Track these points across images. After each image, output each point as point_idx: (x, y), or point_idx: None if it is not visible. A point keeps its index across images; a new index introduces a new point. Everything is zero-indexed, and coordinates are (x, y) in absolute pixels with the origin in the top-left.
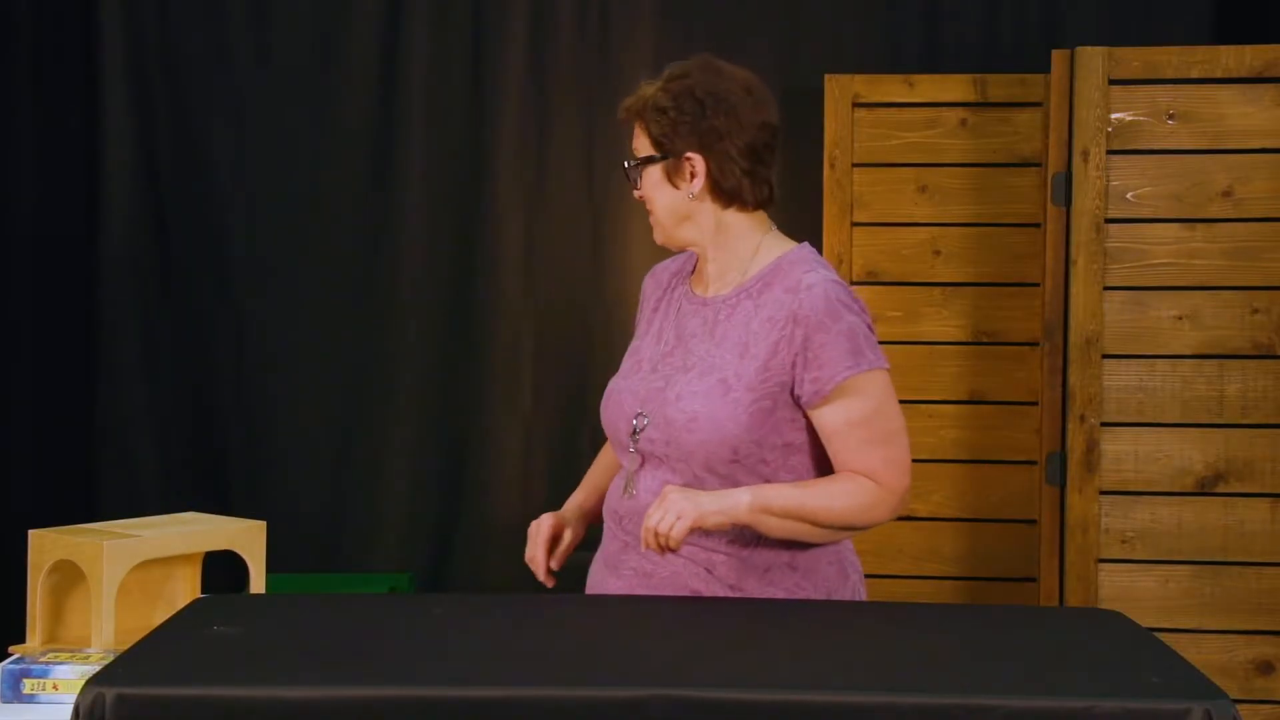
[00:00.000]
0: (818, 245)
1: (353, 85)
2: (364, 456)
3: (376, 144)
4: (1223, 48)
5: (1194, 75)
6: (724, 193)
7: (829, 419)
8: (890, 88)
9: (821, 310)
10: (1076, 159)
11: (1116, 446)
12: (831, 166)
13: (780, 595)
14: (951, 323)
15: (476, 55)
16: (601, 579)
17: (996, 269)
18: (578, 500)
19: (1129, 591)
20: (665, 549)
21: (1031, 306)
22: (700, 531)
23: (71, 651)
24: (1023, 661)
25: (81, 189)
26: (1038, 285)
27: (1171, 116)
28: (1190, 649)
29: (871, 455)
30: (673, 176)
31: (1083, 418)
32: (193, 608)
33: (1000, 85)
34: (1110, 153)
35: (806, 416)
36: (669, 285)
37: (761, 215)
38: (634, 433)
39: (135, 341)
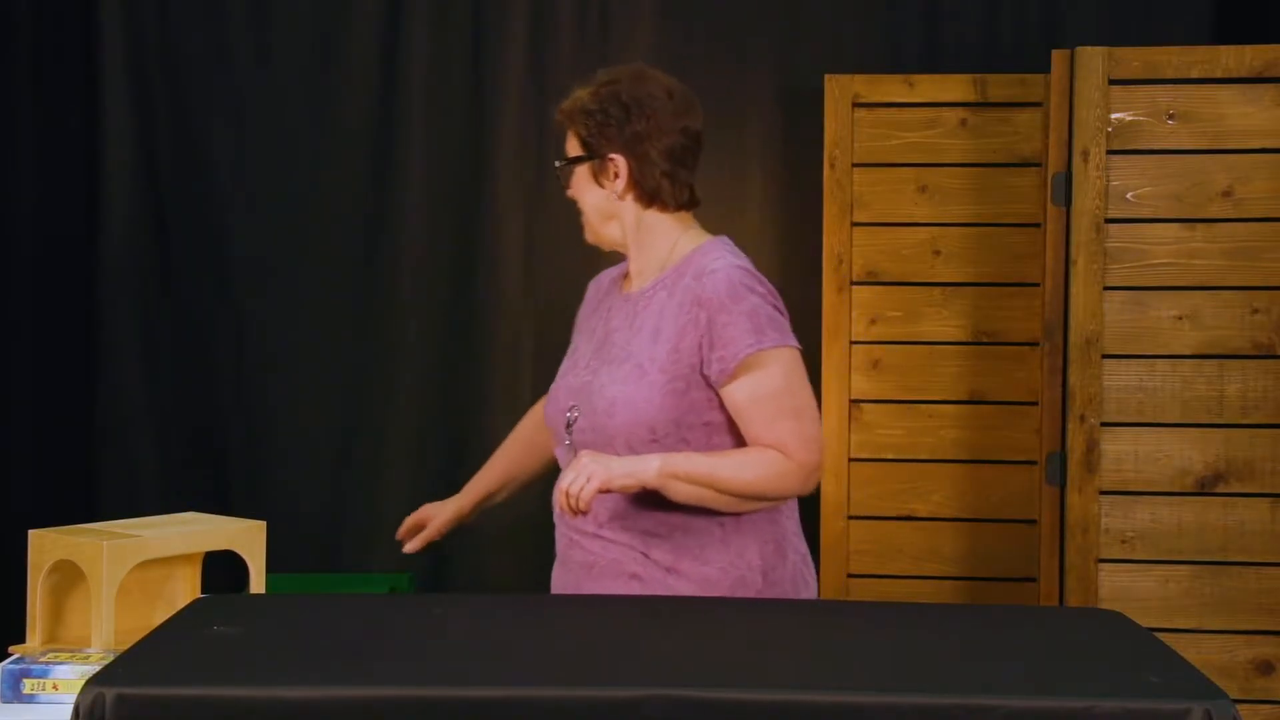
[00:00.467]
0: (817, 245)
1: (353, 85)
2: (364, 456)
3: (376, 144)
4: (1223, 48)
5: (1194, 75)
6: (645, 193)
7: (736, 395)
8: (890, 88)
9: (724, 292)
10: (1076, 159)
11: (1116, 446)
12: (831, 166)
13: (715, 573)
14: (951, 323)
15: (476, 55)
16: (556, 576)
17: (996, 269)
18: (477, 483)
19: (1129, 591)
20: (577, 511)
21: (1031, 306)
22: (633, 508)
23: (71, 651)
24: (1023, 661)
25: (81, 189)
26: (1038, 285)
27: (1171, 116)
28: (1190, 649)
29: (779, 429)
30: (598, 176)
31: (1083, 418)
32: (193, 608)
33: (1000, 85)
34: (1110, 153)
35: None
36: (607, 289)
37: (684, 215)
38: (568, 425)
39: (135, 341)
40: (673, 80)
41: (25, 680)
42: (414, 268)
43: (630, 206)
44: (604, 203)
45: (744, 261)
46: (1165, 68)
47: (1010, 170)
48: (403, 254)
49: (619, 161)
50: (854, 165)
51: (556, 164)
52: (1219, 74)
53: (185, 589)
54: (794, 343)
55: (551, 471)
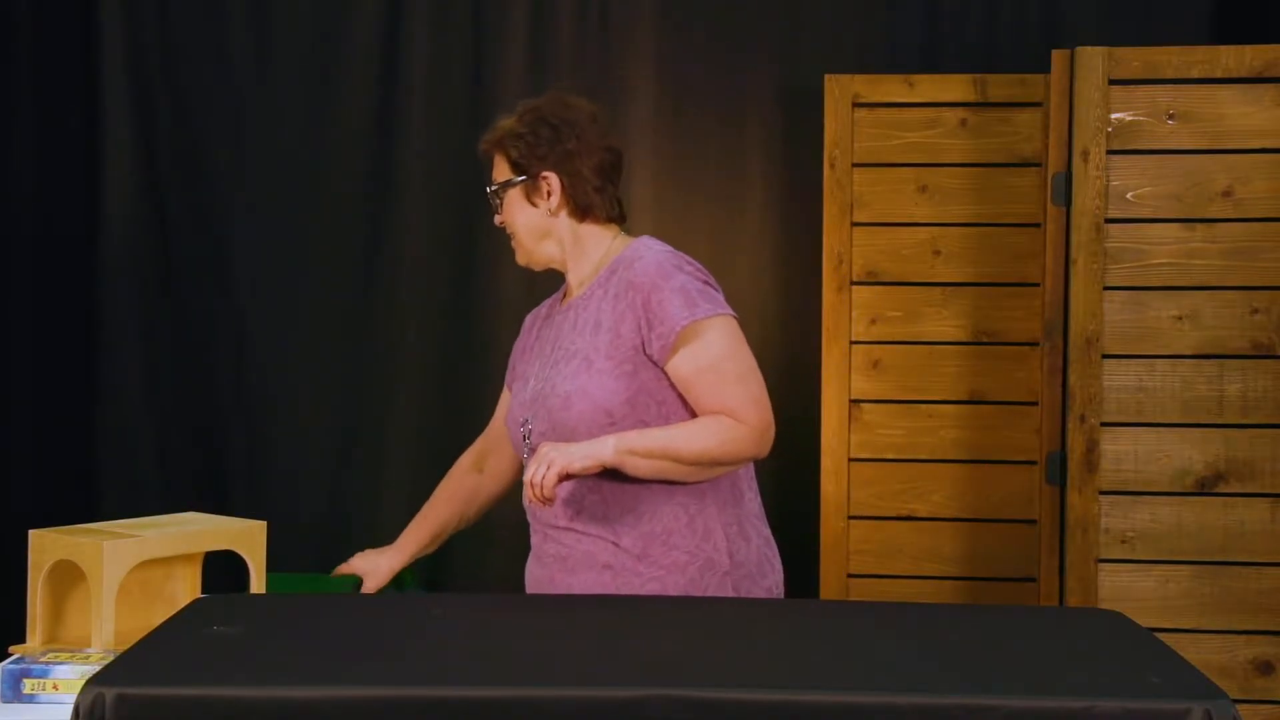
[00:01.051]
0: (818, 245)
1: (353, 85)
2: (364, 457)
3: (376, 144)
4: (1223, 48)
5: (1194, 75)
6: (579, 208)
7: (681, 368)
8: (890, 88)
9: (654, 273)
10: (1076, 159)
11: (1116, 446)
12: (831, 166)
13: (684, 558)
14: (951, 323)
15: (476, 55)
16: (531, 571)
17: (996, 269)
18: (410, 539)
19: (1129, 591)
20: (544, 499)
21: (1031, 306)
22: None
23: (71, 651)
24: (1023, 661)
25: (81, 189)
26: (1038, 285)
27: (1171, 116)
28: (1190, 649)
29: (725, 395)
30: (531, 195)
31: (1083, 418)
32: (193, 608)
33: (1000, 85)
34: (1110, 153)
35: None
36: (546, 314)
37: (613, 226)
38: (525, 438)
39: (135, 341)
40: (592, 103)
41: (25, 680)
42: (414, 268)
43: (565, 222)
44: (538, 221)
45: (671, 249)
46: (1165, 68)
47: (1010, 170)
48: (403, 254)
49: (552, 179)
50: (854, 165)
51: (489, 189)
52: (1219, 74)
53: (185, 589)
54: (728, 310)
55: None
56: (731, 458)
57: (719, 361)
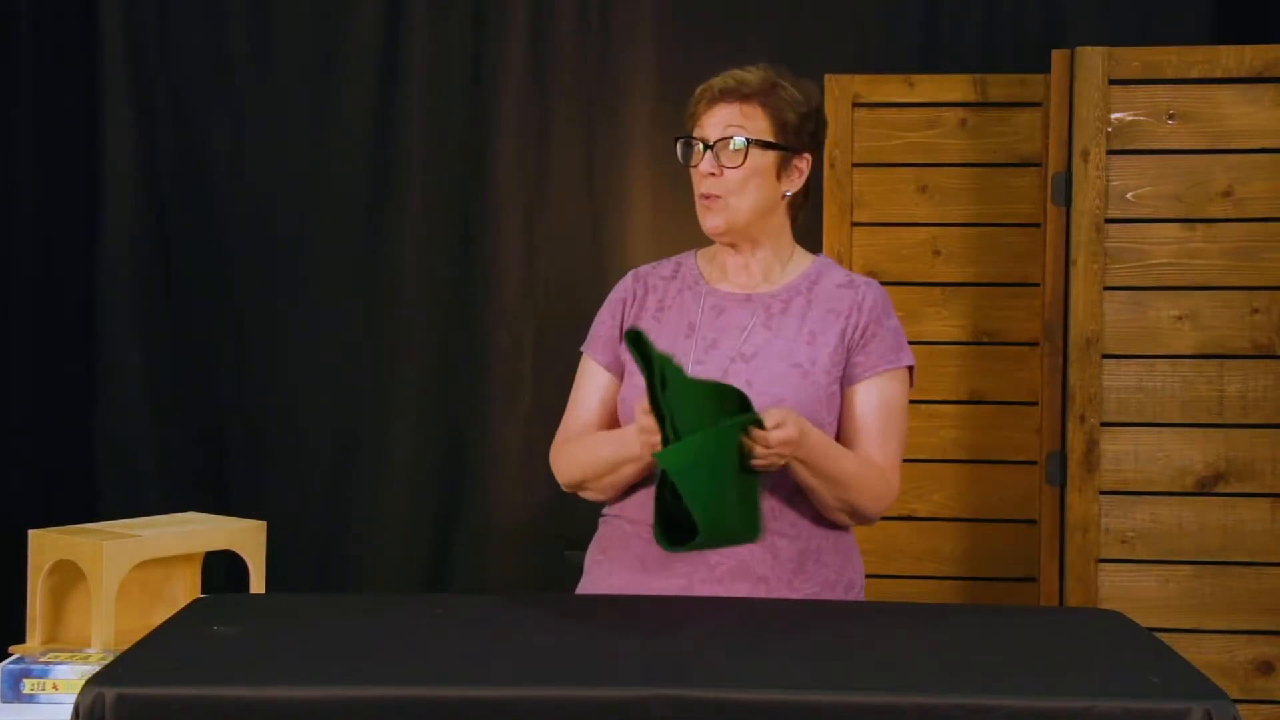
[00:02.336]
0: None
1: (353, 85)
2: (364, 457)
3: (376, 144)
4: (1223, 48)
5: (1194, 75)
6: (800, 205)
7: (864, 399)
8: (890, 88)
9: (882, 305)
10: (1076, 159)
11: (1116, 446)
12: (831, 166)
13: (833, 575)
14: (951, 323)
15: (476, 55)
16: (639, 582)
17: (996, 269)
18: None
19: (1129, 591)
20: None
21: (1031, 306)
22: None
23: (71, 651)
24: (1023, 661)
25: (81, 189)
26: (1038, 285)
27: (1171, 116)
28: (1190, 649)
29: (888, 446)
30: (781, 170)
31: (1083, 418)
32: (193, 608)
33: (1000, 85)
34: (1110, 153)
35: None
36: (671, 287)
37: None
38: None
39: (135, 341)
40: None
41: (25, 680)
42: (414, 268)
43: (783, 208)
44: (769, 198)
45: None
46: (1165, 68)
47: (1010, 170)
48: (402, 254)
49: (806, 164)
50: (854, 165)
51: (740, 138)
52: (1219, 74)
53: (185, 589)
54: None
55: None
56: (863, 514)
57: (897, 411)
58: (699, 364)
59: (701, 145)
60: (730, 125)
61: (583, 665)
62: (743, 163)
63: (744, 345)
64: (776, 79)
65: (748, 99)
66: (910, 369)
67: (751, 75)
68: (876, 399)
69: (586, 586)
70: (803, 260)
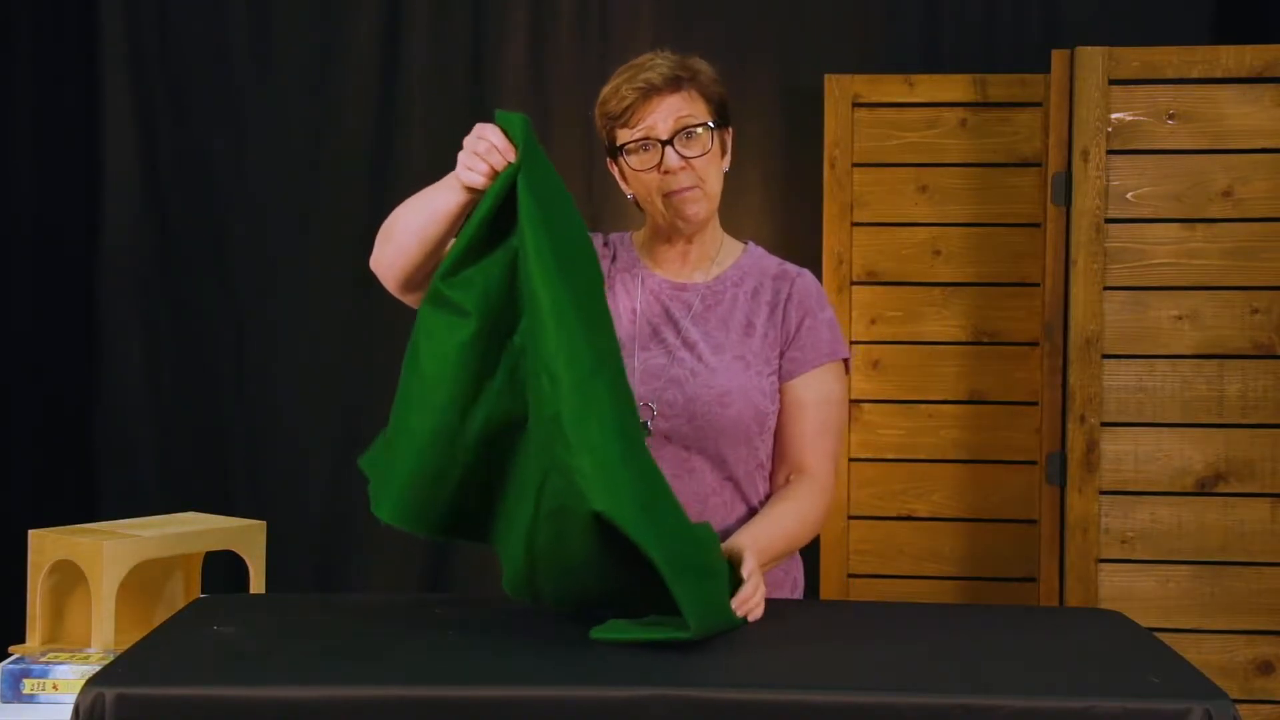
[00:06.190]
0: (818, 245)
1: (353, 85)
2: None
3: (376, 144)
4: (1223, 48)
5: (1194, 75)
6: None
7: (801, 394)
8: (890, 88)
9: (815, 297)
10: (1076, 159)
11: (1116, 446)
12: (831, 166)
13: (780, 573)
14: (951, 323)
15: (476, 55)
16: None
17: (996, 269)
18: None
19: (1129, 591)
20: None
21: (1031, 306)
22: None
23: (71, 651)
24: (1023, 661)
25: (81, 189)
26: (1038, 285)
27: (1171, 116)
28: (1190, 649)
29: (822, 441)
30: (724, 150)
31: (1083, 418)
32: (193, 608)
33: (1000, 85)
34: (1110, 153)
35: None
36: (613, 268)
37: None
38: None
39: (135, 341)
40: None
41: (25, 680)
42: None
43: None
44: (720, 179)
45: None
46: (1165, 68)
47: (1010, 170)
48: None
49: (731, 136)
50: (854, 165)
51: (707, 124)
52: (1219, 74)
53: (185, 589)
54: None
55: None
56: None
57: (834, 407)
58: (644, 350)
59: (658, 143)
60: (681, 115)
61: (580, 665)
62: (707, 149)
63: (685, 334)
64: (687, 60)
65: (681, 86)
66: (845, 361)
67: (669, 62)
68: (813, 396)
69: None
70: (733, 249)
